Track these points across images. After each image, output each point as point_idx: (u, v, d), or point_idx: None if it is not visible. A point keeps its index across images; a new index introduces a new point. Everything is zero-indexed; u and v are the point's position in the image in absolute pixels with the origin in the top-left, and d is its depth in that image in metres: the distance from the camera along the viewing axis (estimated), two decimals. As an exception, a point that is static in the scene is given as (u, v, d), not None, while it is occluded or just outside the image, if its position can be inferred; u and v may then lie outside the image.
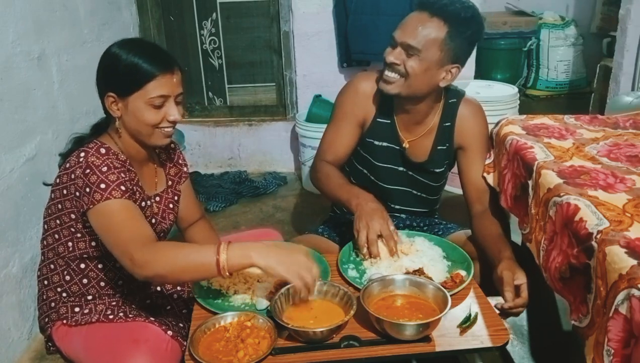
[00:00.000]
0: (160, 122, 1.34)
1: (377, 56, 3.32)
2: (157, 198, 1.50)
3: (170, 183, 1.55)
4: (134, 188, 1.37)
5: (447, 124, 1.65)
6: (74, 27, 2.53)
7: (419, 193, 1.75)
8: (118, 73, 1.32)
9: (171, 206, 1.54)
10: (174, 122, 1.37)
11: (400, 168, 1.70)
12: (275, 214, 3.13)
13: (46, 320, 1.45)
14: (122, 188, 1.28)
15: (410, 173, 1.70)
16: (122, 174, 1.30)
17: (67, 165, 1.33)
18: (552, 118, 1.77)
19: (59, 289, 1.43)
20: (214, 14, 3.50)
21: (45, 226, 1.43)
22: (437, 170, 1.71)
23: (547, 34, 4.98)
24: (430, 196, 1.78)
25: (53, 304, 1.43)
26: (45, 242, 1.43)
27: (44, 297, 1.45)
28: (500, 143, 1.65)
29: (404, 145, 1.66)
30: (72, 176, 1.30)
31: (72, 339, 1.40)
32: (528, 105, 4.79)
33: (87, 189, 1.26)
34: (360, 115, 1.65)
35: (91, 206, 1.26)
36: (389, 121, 1.65)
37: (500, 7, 5.26)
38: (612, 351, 0.93)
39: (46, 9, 2.27)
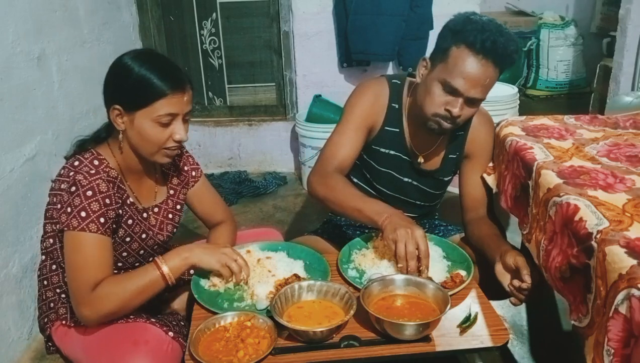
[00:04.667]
0: (166, 141, 1.32)
1: (377, 56, 3.37)
2: (156, 209, 1.48)
3: (172, 192, 1.53)
4: (120, 210, 1.35)
5: (460, 133, 1.63)
6: (74, 27, 2.53)
7: (419, 202, 1.74)
8: (127, 86, 1.28)
9: (170, 216, 1.52)
10: (179, 142, 1.34)
11: (406, 179, 1.68)
12: (275, 214, 3.13)
13: (45, 320, 1.45)
14: (102, 220, 1.27)
15: (415, 183, 1.69)
16: (107, 201, 1.28)
17: (62, 171, 1.33)
18: (552, 119, 1.77)
19: (58, 290, 1.43)
20: (214, 14, 3.50)
21: (45, 227, 1.43)
22: (445, 178, 1.71)
23: (547, 34, 4.98)
24: (430, 203, 1.77)
25: (52, 304, 1.43)
26: (44, 244, 1.43)
27: (44, 297, 1.45)
28: (500, 144, 1.65)
29: (418, 160, 1.64)
30: (62, 186, 1.30)
31: (71, 339, 1.40)
32: (528, 105, 4.79)
33: (69, 210, 1.26)
34: (369, 121, 1.62)
35: (66, 229, 1.27)
36: (397, 130, 1.62)
37: (500, 7, 5.27)
38: (612, 351, 0.93)
39: (46, 9, 2.27)
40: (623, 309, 0.91)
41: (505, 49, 1.38)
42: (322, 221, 1.93)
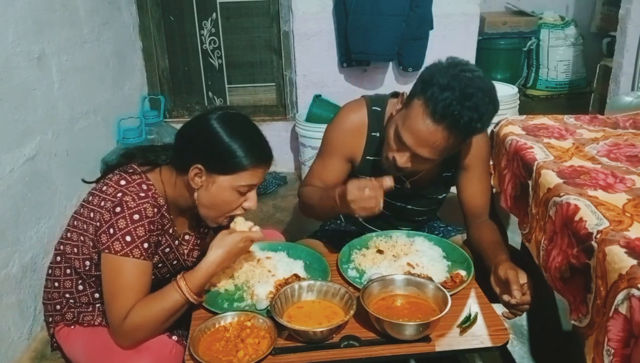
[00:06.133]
0: (236, 209, 1.33)
1: (377, 56, 3.37)
2: (187, 237, 1.46)
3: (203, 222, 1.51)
4: (161, 238, 1.33)
5: None
6: (74, 27, 2.53)
7: (417, 218, 1.72)
8: (214, 152, 1.27)
9: (199, 241, 1.50)
10: (246, 210, 1.34)
11: (398, 203, 1.65)
12: (275, 214, 3.13)
13: (50, 319, 1.44)
14: (145, 245, 1.24)
15: (409, 206, 1.67)
16: (152, 226, 1.25)
17: (104, 188, 1.29)
18: (552, 118, 1.77)
19: (67, 295, 1.41)
20: (214, 14, 3.50)
21: (68, 233, 1.38)
22: (439, 196, 1.68)
23: (547, 34, 4.98)
24: (428, 216, 1.76)
25: (58, 307, 1.41)
26: (63, 247, 1.40)
27: (49, 296, 1.43)
28: (500, 143, 1.65)
29: (406, 185, 1.60)
30: (102, 203, 1.26)
31: (73, 340, 1.39)
32: (528, 105, 4.79)
33: (111, 231, 1.22)
34: (348, 151, 1.58)
35: (106, 251, 1.23)
36: (379, 158, 1.54)
37: (500, 7, 5.26)
38: (612, 351, 0.93)
39: (46, 9, 2.27)
40: (623, 309, 0.91)
41: (459, 116, 1.27)
42: (322, 224, 1.92)
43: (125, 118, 3.09)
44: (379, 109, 1.57)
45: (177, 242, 1.41)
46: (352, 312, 1.21)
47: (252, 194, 1.33)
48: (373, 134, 1.57)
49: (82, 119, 2.58)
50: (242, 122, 1.34)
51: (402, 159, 1.39)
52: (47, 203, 2.18)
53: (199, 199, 1.31)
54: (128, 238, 1.22)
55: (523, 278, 1.29)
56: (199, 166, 1.27)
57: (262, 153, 1.32)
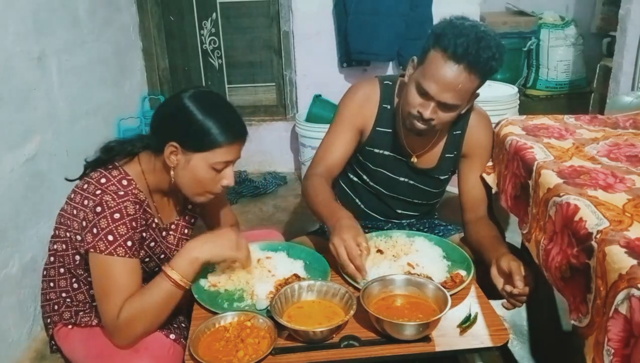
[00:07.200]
0: (214, 186, 1.33)
1: (377, 56, 3.37)
2: (173, 226, 1.47)
3: (190, 206, 1.52)
4: (144, 233, 1.33)
5: (457, 132, 1.63)
6: (74, 27, 2.53)
7: (417, 201, 1.74)
8: (189, 131, 1.27)
9: (186, 231, 1.50)
10: (226, 187, 1.35)
11: (402, 178, 1.69)
12: (275, 214, 3.13)
13: (48, 320, 1.44)
14: (129, 243, 1.24)
15: (412, 182, 1.69)
16: (134, 223, 1.26)
17: (85, 186, 1.30)
18: (552, 118, 1.77)
19: (63, 294, 1.41)
20: (214, 14, 3.50)
21: (56, 231, 1.40)
22: (442, 177, 1.71)
23: (547, 34, 4.98)
24: (429, 202, 1.78)
25: (56, 307, 1.42)
26: (54, 246, 1.41)
27: (47, 297, 1.43)
28: (500, 143, 1.65)
29: (412, 159, 1.65)
30: (85, 202, 1.28)
31: (72, 341, 1.39)
32: (528, 105, 4.79)
33: (95, 231, 1.23)
34: (359, 122, 1.64)
35: (92, 251, 1.24)
36: (390, 130, 1.63)
37: (500, 7, 5.27)
38: (612, 351, 0.93)
39: (46, 9, 2.27)
40: (623, 309, 0.91)
41: (477, 55, 1.36)
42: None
43: (125, 118, 3.09)
44: (391, 83, 1.64)
45: (164, 233, 1.42)
46: (352, 312, 1.21)
47: (229, 171, 1.33)
48: (384, 106, 1.63)
49: (82, 119, 2.58)
50: (215, 100, 1.35)
51: (427, 111, 1.44)
52: (47, 203, 2.18)
53: (176, 178, 1.32)
54: (110, 237, 1.23)
55: (525, 270, 1.32)
56: (174, 144, 1.28)
57: (236, 129, 1.31)
